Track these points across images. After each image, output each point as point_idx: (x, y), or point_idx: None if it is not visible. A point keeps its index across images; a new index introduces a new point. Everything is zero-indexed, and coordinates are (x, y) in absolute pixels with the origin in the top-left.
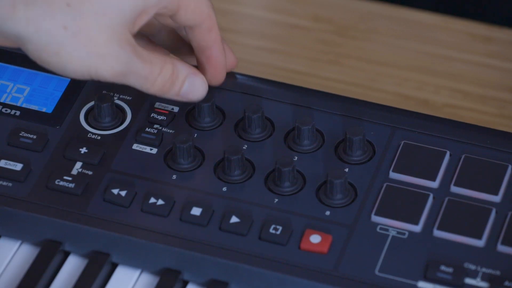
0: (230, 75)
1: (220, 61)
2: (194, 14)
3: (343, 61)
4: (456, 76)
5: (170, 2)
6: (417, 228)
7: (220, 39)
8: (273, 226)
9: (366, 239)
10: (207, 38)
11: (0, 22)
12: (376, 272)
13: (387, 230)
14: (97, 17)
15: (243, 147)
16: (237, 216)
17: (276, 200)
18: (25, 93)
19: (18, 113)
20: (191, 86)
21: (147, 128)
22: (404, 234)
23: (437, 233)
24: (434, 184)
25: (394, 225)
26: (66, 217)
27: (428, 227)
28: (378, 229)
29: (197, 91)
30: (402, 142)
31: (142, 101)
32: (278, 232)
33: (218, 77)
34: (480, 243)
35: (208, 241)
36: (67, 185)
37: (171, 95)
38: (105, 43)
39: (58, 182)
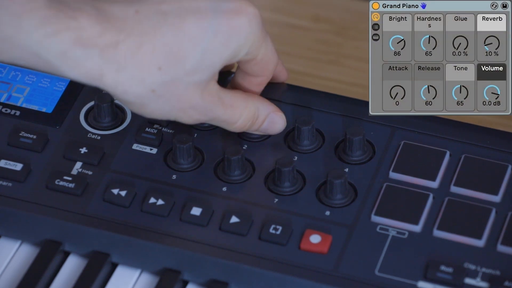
0: (229, 74)
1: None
2: (261, 68)
3: (343, 61)
4: None
5: (253, 52)
6: (417, 228)
7: (262, 88)
8: (273, 226)
9: (366, 239)
10: (252, 87)
11: (87, 83)
12: (376, 272)
13: (387, 230)
14: (188, 77)
15: (243, 147)
16: (237, 216)
17: (276, 200)
18: (25, 93)
19: (18, 113)
20: (271, 124)
21: (147, 128)
22: (404, 234)
23: (437, 233)
24: (434, 184)
25: (394, 225)
26: (66, 217)
27: (428, 227)
28: (378, 229)
29: (276, 128)
30: (402, 142)
31: None
32: (278, 232)
33: None
34: (480, 243)
35: (208, 241)
36: (67, 185)
37: (250, 131)
38: (190, 99)
39: (58, 182)
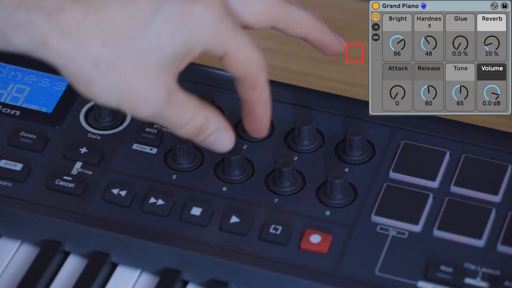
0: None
1: (261, 119)
2: (239, 66)
3: (343, 61)
4: None
5: (217, 46)
6: (417, 228)
7: (266, 97)
8: (273, 226)
9: (366, 239)
10: (249, 94)
11: (32, 51)
12: (376, 272)
13: (387, 230)
14: (133, 59)
15: (243, 147)
16: (237, 216)
17: (276, 200)
18: (25, 93)
19: (18, 113)
20: (217, 140)
21: (147, 128)
22: (404, 234)
23: (437, 233)
24: (434, 184)
25: (394, 225)
26: (66, 217)
27: (428, 227)
28: (378, 229)
29: (222, 146)
30: (402, 142)
31: None
32: (278, 232)
33: (258, 132)
34: (480, 243)
35: (208, 241)
36: (67, 185)
37: (196, 141)
38: (138, 86)
39: (58, 182)
